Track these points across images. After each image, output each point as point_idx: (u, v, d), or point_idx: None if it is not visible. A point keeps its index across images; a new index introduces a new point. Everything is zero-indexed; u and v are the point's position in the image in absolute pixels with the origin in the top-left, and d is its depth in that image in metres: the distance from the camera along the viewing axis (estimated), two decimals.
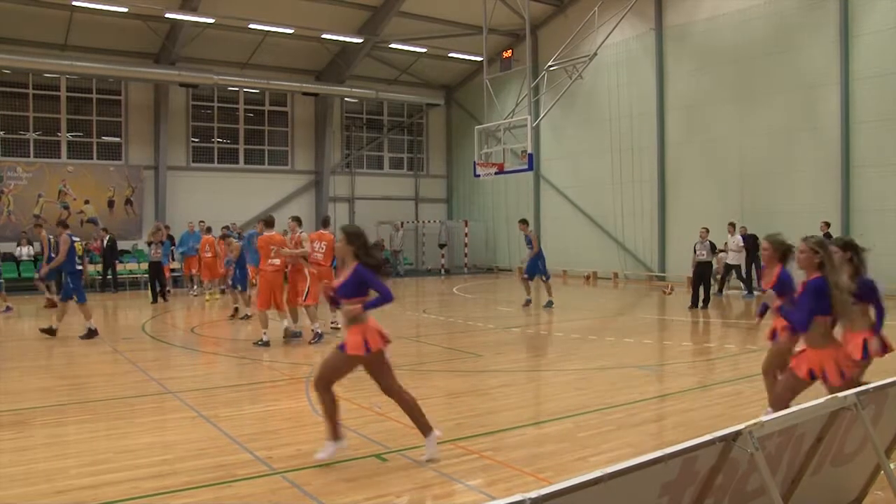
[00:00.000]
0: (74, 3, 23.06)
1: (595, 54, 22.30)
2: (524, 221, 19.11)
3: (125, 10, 23.85)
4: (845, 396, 3.94)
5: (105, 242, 23.70)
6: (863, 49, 19.68)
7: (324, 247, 13.45)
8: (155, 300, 20.19)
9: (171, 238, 23.35)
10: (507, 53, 25.78)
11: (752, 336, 13.08)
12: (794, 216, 21.22)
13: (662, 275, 25.10)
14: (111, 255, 24.06)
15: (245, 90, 30.20)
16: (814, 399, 3.94)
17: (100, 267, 24.28)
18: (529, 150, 22.04)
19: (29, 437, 6.93)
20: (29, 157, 26.43)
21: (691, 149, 24.31)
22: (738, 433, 3.26)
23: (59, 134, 27.10)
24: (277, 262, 12.64)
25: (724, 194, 23.04)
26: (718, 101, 23.27)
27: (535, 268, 17.97)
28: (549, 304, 17.88)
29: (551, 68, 23.50)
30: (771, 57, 21.63)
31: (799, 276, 5.77)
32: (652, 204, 25.50)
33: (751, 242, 19.97)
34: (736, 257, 20.42)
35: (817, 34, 20.61)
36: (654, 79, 25.28)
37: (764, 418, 3.42)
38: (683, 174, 24.66)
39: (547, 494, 2.43)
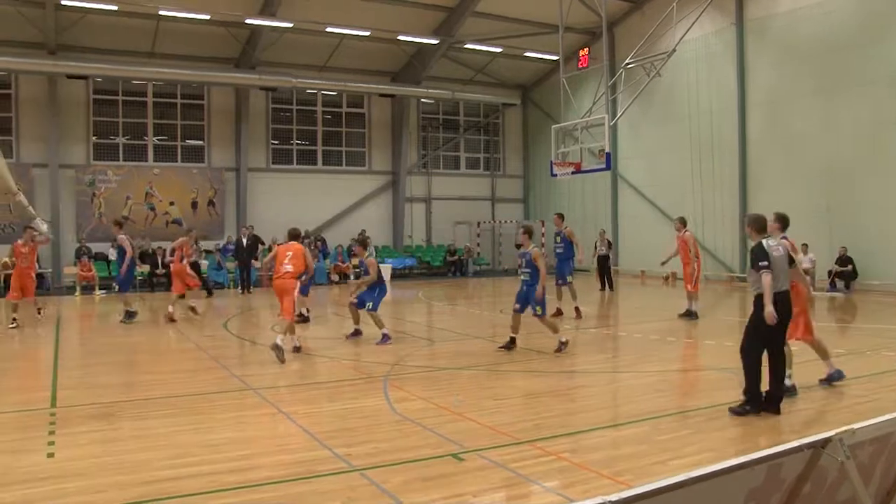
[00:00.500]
0: (161, 13, 23.85)
1: (674, 51, 21.88)
2: (560, 215, 17.47)
3: (208, 17, 24.56)
4: None
5: (245, 241, 23.79)
6: None
7: None
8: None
9: (257, 237, 23.86)
10: (584, 51, 25.52)
11: (846, 339, 12.65)
12: (883, 215, 20.45)
13: (744, 276, 24.47)
14: (249, 253, 24.02)
15: (323, 92, 30.70)
16: None
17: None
18: (607, 149, 21.77)
19: (117, 429, 7.17)
20: (118, 160, 27.44)
21: (773, 146, 23.61)
22: (827, 440, 3.14)
23: (145, 138, 28.04)
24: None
25: (808, 193, 22.28)
26: (802, 96, 22.54)
27: (569, 269, 16.44)
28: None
29: (629, 66, 23.16)
30: (857, 49, 20.83)
31: None
32: (732, 203, 24.87)
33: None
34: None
35: None
36: (734, 74, 24.66)
37: (856, 425, 3.29)
38: (765, 172, 23.98)
39: (629, 497, 2.39)
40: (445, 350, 12.18)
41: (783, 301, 7.43)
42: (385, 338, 12.39)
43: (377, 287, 12.70)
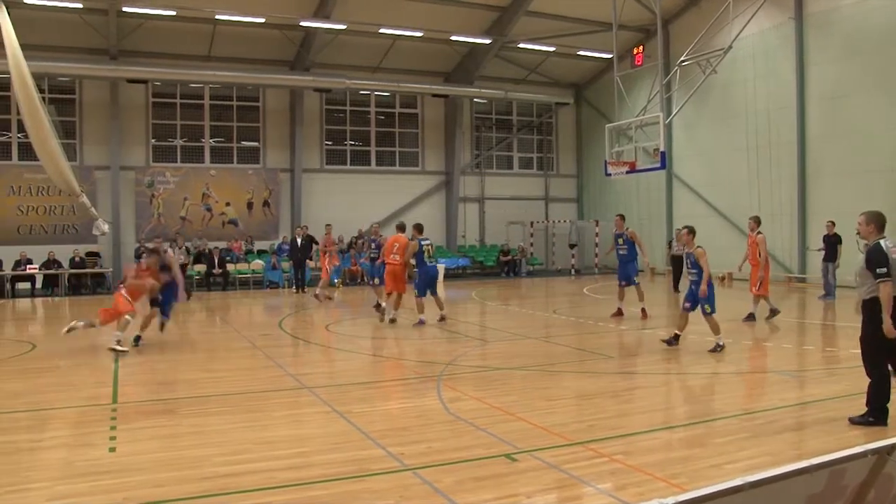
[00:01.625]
0: (217, 17, 24.30)
1: (730, 47, 21.54)
2: (622, 216, 17.07)
3: (263, 20, 24.94)
4: None
5: (300, 241, 23.91)
6: None
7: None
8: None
9: (311, 237, 24.08)
10: (638, 49, 25.25)
11: None
12: None
13: (803, 276, 23.95)
14: (304, 253, 24.06)
15: (376, 93, 30.90)
16: None
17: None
18: (662, 148, 21.52)
19: (177, 425, 7.33)
20: (176, 162, 28.01)
21: (835, 144, 23.03)
22: (893, 446, 3.05)
23: (202, 140, 28.57)
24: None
25: (870, 192, 21.63)
26: (865, 92, 21.94)
27: (634, 270, 16.23)
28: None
29: (684, 63, 22.86)
30: None
31: None
32: (791, 203, 24.33)
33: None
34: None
35: None
36: (793, 70, 24.11)
37: None
38: (826, 171, 23.40)
39: (684, 501, 2.36)
40: (499, 350, 12.16)
41: None
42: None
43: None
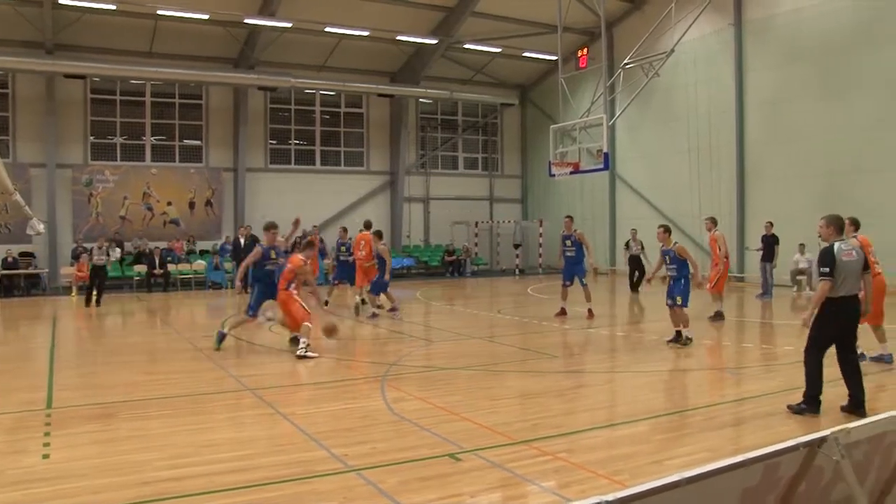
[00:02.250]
0: (159, 12, 23.84)
1: (672, 51, 21.89)
2: (571, 218, 16.91)
3: (206, 16, 24.54)
4: None
5: (243, 241, 23.26)
6: None
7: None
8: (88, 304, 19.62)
9: (255, 238, 23.75)
10: (583, 52, 25.52)
11: None
12: (881, 216, 20.44)
13: (741, 275, 24.49)
14: (247, 253, 23.60)
15: (321, 92, 30.70)
16: None
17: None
18: (605, 150, 21.77)
19: (115, 429, 7.17)
20: (116, 160, 27.42)
21: (773, 147, 23.62)
22: (823, 439, 3.15)
23: (143, 138, 28.03)
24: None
25: (806, 194, 22.29)
26: (802, 97, 22.55)
27: (581, 271, 16.11)
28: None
29: (627, 66, 23.16)
30: (859, 49, 20.84)
31: None
32: (731, 204, 24.86)
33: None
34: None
35: None
36: (732, 75, 24.67)
37: (851, 425, 3.29)
38: (764, 174, 23.99)
39: (624, 497, 2.39)
40: (443, 350, 12.18)
41: (849, 305, 7.34)
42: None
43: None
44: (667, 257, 12.10)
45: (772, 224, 20.21)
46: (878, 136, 20.53)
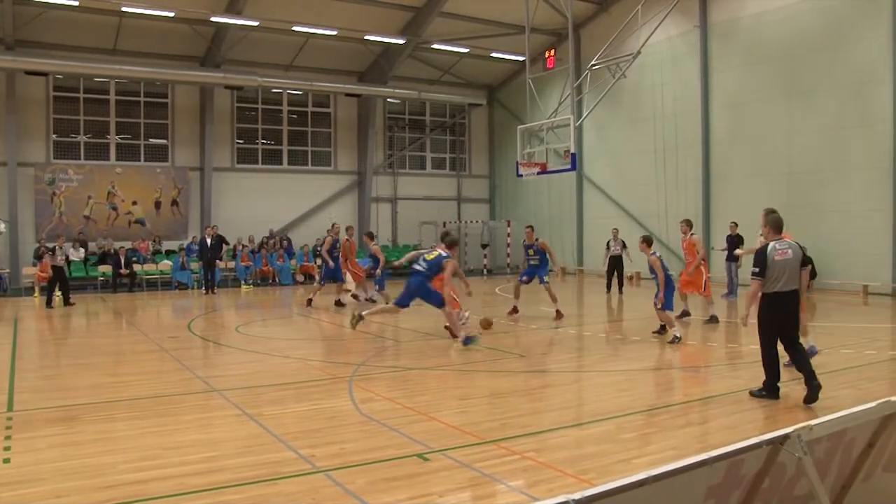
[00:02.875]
0: (124, 9, 23.54)
1: (639, 53, 22.09)
2: (531, 227, 17.08)
3: (172, 14, 24.24)
4: None
5: (210, 241, 23.26)
6: None
7: None
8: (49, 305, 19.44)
9: (221, 237, 23.62)
10: (550, 53, 25.65)
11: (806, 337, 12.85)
12: (845, 216, 20.84)
13: (708, 276, 24.72)
14: (214, 253, 23.46)
15: (289, 92, 30.54)
16: (865, 403, 3.85)
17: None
18: (572, 150, 21.90)
19: (79, 432, 7.07)
20: (79, 159, 27.04)
21: (737, 148, 23.94)
22: (786, 436, 3.20)
23: (108, 137, 27.68)
24: None
25: (770, 194, 22.59)
26: (766, 99, 22.89)
27: (543, 272, 16.29)
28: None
29: (594, 67, 23.33)
30: (821, 52, 21.21)
31: None
32: (696, 204, 25.16)
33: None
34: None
35: (869, 28, 20.15)
36: (698, 77, 24.96)
37: (813, 422, 3.35)
38: (729, 174, 24.30)
39: (591, 496, 2.41)
40: (411, 350, 12.18)
41: (786, 299, 7.86)
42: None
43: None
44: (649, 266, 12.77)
45: (736, 224, 20.47)
46: (839, 136, 20.90)
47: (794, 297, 7.95)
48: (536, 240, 16.40)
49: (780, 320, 7.93)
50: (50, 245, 22.17)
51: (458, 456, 6.07)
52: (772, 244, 7.97)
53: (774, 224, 8.16)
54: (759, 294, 7.99)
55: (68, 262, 22.19)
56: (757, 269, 7.85)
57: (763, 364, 8.03)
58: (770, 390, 7.96)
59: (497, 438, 6.59)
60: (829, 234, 21.15)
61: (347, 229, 19.70)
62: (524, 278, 16.38)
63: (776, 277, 7.81)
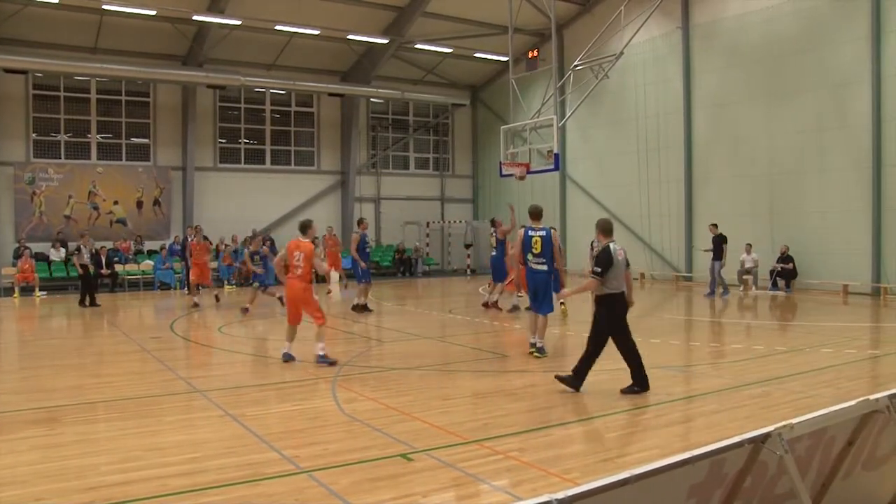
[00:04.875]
0: (105, 7, 23.36)
1: (621, 53, 22.18)
2: (493, 221, 17.61)
3: (153, 12, 24.09)
4: (877, 399, 3.89)
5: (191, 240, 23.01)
6: (894, 44, 19.40)
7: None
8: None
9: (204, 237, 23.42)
10: (533, 53, 25.69)
11: (787, 337, 12.97)
12: (822, 215, 21.02)
13: (689, 275, 24.90)
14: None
15: (271, 91, 30.41)
16: (845, 402, 3.88)
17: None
18: (555, 150, 21.94)
19: (60, 434, 7.01)
20: (60, 158, 26.81)
21: (719, 148, 24.10)
22: (767, 435, 3.22)
23: (88, 136, 27.46)
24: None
25: (752, 194, 22.84)
26: (747, 100, 23.06)
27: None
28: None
29: (577, 68, 23.40)
30: (800, 54, 21.39)
31: None
32: (679, 204, 25.31)
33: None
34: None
35: (848, 30, 20.35)
36: (680, 78, 25.10)
37: (794, 421, 3.38)
38: (711, 174, 24.45)
39: (574, 495, 2.42)
40: (395, 350, 12.17)
41: (620, 299, 8.45)
42: None
43: None
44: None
45: (716, 225, 20.60)
46: (819, 137, 21.09)
47: (624, 297, 8.49)
48: (499, 225, 16.71)
49: (616, 318, 8.43)
50: (32, 244, 22.03)
51: (442, 456, 6.08)
52: (612, 245, 8.43)
53: (604, 228, 8.65)
54: (593, 291, 8.53)
55: (95, 259, 22.02)
56: (599, 269, 8.24)
57: (584, 358, 8.45)
58: (577, 378, 8.46)
59: (480, 438, 6.60)
60: (810, 233, 21.34)
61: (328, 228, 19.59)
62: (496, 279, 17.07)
63: (613, 277, 8.29)
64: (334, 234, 20.35)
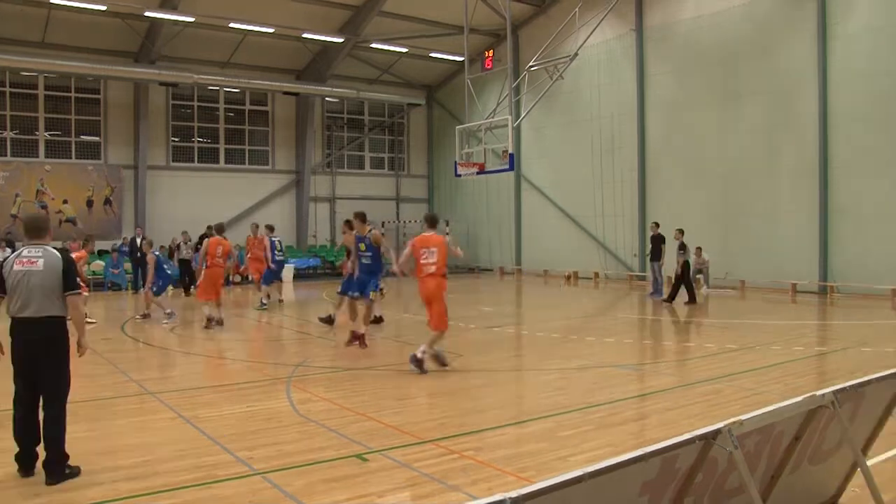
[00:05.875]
0: (52, 1, 22.84)
1: (576, 55, 22.36)
2: (356, 216, 13.17)
3: (104, 7, 23.65)
4: (823, 395, 3.97)
5: (140, 240, 22.55)
6: (840, 49, 19.87)
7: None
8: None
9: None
10: (489, 53, 25.77)
11: (737, 335, 13.19)
12: (774, 217, 21.44)
13: (643, 274, 25.19)
14: (144, 254, 22.97)
15: (225, 89, 30.05)
16: (793, 398, 3.96)
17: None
18: (510, 150, 22.05)
19: (3, 439, 6.83)
20: (6, 156, 26.16)
21: (671, 149, 24.44)
22: (717, 432, 3.27)
23: (36, 133, 26.85)
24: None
25: (704, 195, 23.21)
26: (699, 102, 23.42)
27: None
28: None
29: (532, 68, 23.54)
30: (751, 57, 21.80)
31: None
32: (632, 204, 25.61)
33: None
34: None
35: (796, 34, 20.80)
36: (634, 79, 25.41)
37: (744, 417, 3.44)
38: (663, 174, 24.79)
39: (528, 494, 2.43)
40: (349, 351, 12.10)
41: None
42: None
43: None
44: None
45: (657, 224, 20.66)
46: (768, 139, 21.52)
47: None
48: (370, 231, 12.83)
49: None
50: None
51: (397, 456, 6.07)
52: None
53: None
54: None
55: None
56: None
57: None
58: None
59: (436, 438, 6.60)
60: (759, 233, 21.75)
61: (251, 226, 19.61)
62: (354, 293, 13.42)
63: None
64: (259, 236, 19.57)
